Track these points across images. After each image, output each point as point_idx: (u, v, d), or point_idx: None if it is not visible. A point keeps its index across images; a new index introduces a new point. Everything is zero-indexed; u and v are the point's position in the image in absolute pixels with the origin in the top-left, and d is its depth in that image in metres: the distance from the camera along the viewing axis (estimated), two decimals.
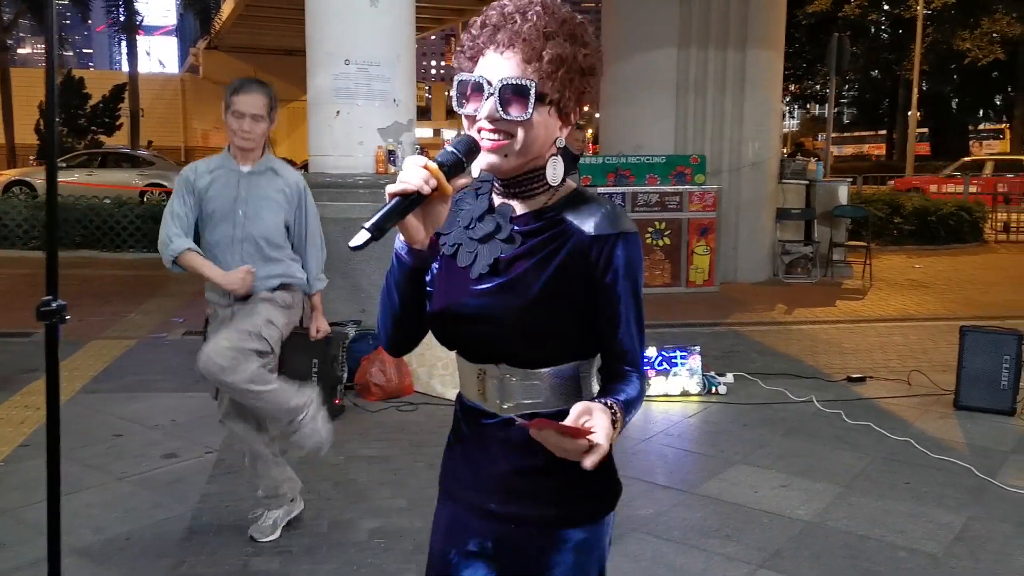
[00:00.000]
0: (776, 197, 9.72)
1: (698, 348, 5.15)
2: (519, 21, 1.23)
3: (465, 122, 1.28)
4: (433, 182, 1.18)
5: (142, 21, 28.16)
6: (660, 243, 8.64)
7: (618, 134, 9.66)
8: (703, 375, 5.10)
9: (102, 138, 28.98)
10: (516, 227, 1.34)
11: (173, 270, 2.98)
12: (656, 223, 8.60)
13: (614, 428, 1.19)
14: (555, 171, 1.31)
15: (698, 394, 5.03)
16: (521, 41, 1.22)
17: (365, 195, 5.59)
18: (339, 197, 5.60)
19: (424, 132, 49.92)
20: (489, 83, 1.23)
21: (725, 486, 3.72)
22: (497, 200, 1.37)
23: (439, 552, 1.46)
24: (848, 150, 47.08)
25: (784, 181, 9.80)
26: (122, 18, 23.60)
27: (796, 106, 39.18)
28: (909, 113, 26.28)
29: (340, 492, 3.58)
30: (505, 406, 1.36)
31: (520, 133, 1.25)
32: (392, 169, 5.62)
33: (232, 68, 36.87)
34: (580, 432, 1.14)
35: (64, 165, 19.36)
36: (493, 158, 1.26)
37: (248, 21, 29.59)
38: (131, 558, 2.98)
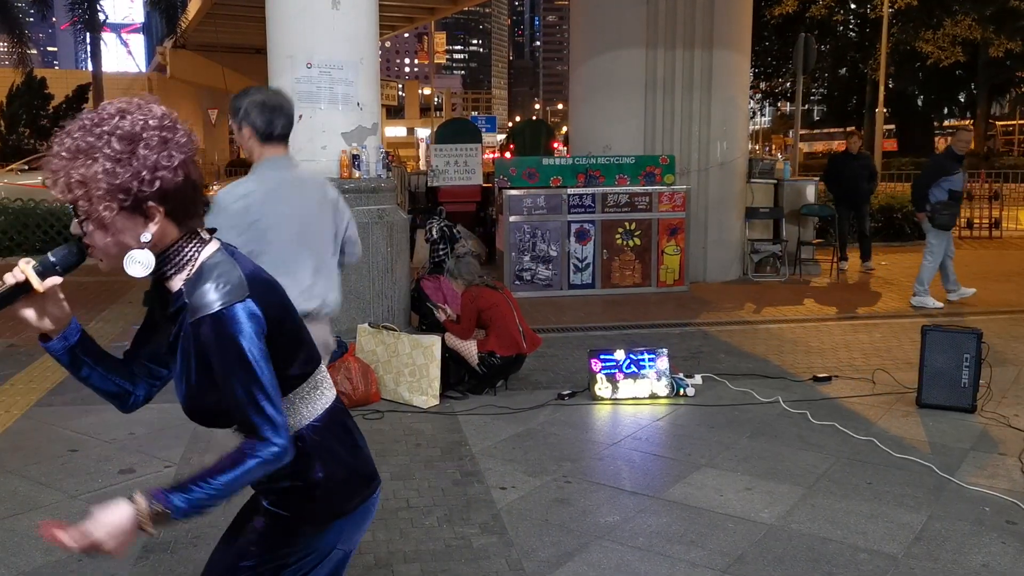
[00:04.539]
0: (744, 196, 9.79)
1: (666, 350, 5.15)
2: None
3: None
4: (23, 277, 1.40)
5: (106, 19, 27.47)
6: (630, 243, 8.66)
7: (587, 134, 9.66)
8: (671, 377, 5.10)
9: None
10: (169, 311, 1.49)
11: None
12: (626, 223, 8.61)
13: (145, 520, 1.35)
14: (129, 262, 1.40)
15: (666, 396, 5.03)
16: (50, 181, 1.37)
17: None
18: None
19: (398, 131, 49.56)
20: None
21: (691, 490, 3.72)
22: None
23: None
24: (819, 147, 47.56)
25: (752, 180, 9.87)
26: (87, 16, 23.07)
27: (767, 103, 39.50)
28: (876, 111, 26.61)
29: None
30: None
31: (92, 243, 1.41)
32: (356, 174, 5.54)
33: (200, 67, 36.36)
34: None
35: (26, 167, 18.95)
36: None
37: (215, 19, 29.19)
38: None
